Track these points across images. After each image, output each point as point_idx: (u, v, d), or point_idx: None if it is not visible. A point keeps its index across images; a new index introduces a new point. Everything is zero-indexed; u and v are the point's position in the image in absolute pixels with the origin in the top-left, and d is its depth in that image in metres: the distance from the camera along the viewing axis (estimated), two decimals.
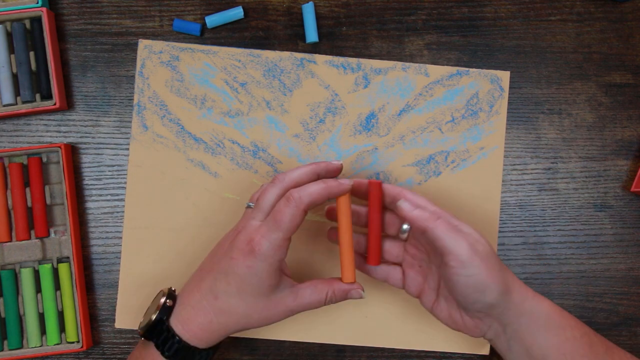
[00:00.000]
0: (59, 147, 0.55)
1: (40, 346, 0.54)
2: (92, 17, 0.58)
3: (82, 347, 0.54)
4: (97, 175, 0.57)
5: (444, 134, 0.57)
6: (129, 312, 0.56)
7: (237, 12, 0.57)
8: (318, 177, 0.47)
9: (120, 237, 0.56)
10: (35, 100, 0.55)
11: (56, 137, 0.57)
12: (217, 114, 0.57)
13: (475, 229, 0.46)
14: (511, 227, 0.57)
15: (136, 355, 0.47)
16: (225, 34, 0.58)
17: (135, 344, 0.56)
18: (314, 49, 0.58)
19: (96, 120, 0.57)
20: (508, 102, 0.58)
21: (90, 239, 0.57)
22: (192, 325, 0.45)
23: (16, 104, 0.55)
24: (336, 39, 0.58)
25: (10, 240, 0.55)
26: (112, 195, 0.57)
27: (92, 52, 0.57)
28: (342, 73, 0.57)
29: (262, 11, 0.58)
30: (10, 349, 0.54)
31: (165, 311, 0.45)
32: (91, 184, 0.57)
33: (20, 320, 0.55)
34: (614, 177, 0.58)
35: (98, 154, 0.57)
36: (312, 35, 0.57)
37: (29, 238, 0.55)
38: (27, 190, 0.55)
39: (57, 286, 0.55)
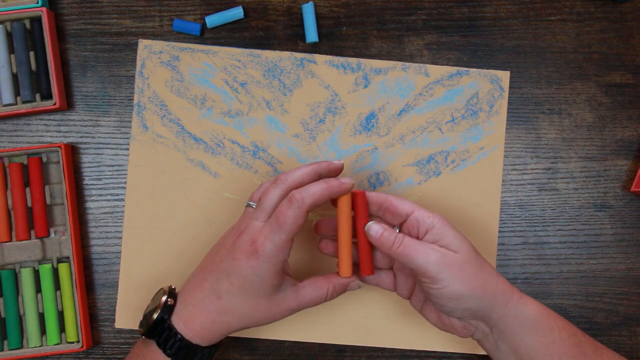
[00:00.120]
0: (59, 147, 0.55)
1: (40, 346, 0.54)
2: (92, 17, 0.58)
3: (82, 347, 0.54)
4: (97, 175, 0.57)
5: (444, 134, 0.57)
6: (129, 312, 0.56)
7: (237, 12, 0.57)
8: (320, 177, 0.47)
9: (120, 237, 0.56)
10: (35, 100, 0.55)
11: (56, 137, 0.57)
12: (217, 114, 0.57)
13: (454, 232, 0.46)
14: (511, 227, 0.57)
15: (137, 354, 0.47)
16: (225, 34, 0.58)
17: (135, 343, 0.56)
18: (314, 49, 0.58)
19: (96, 120, 0.57)
20: (508, 102, 0.58)
21: (90, 239, 0.57)
22: (194, 324, 0.45)
23: (16, 103, 0.55)
24: (336, 39, 0.58)
25: (10, 240, 0.55)
26: (112, 195, 0.57)
27: (92, 52, 0.57)
28: (342, 73, 0.57)
29: (262, 11, 0.58)
30: (10, 349, 0.54)
31: (167, 310, 0.45)
32: (91, 184, 0.57)
33: (20, 320, 0.55)
34: (614, 177, 0.58)
35: (98, 154, 0.57)
36: (312, 35, 0.57)
37: (29, 238, 0.55)
38: (27, 190, 0.55)
39: (57, 286, 0.55)
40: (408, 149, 0.57)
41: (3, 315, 0.54)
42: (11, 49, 0.55)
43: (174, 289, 0.48)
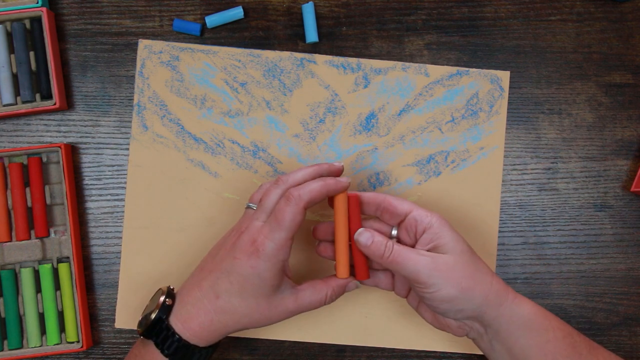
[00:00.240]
0: (59, 147, 0.55)
1: (40, 346, 0.54)
2: (92, 17, 0.58)
3: (82, 347, 0.54)
4: (97, 175, 0.57)
5: (444, 134, 0.57)
6: (128, 312, 0.56)
7: (237, 12, 0.57)
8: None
9: (120, 237, 0.56)
10: (35, 100, 0.55)
11: (56, 137, 0.57)
12: (217, 114, 0.57)
13: (451, 232, 0.46)
14: (511, 227, 0.57)
15: (135, 354, 0.47)
16: (225, 34, 0.58)
17: (135, 343, 0.56)
18: (314, 49, 0.58)
19: (96, 120, 0.57)
20: (508, 102, 0.58)
21: (90, 239, 0.57)
22: (192, 323, 0.45)
23: (16, 103, 0.55)
24: (336, 39, 0.58)
25: (10, 240, 0.55)
26: (112, 195, 0.57)
27: (92, 52, 0.57)
28: (342, 73, 0.57)
29: (262, 11, 0.58)
30: (10, 349, 0.54)
31: (165, 310, 0.45)
32: (91, 184, 0.57)
33: (20, 320, 0.55)
34: (614, 177, 0.58)
35: (98, 154, 0.57)
36: (312, 35, 0.57)
37: (29, 238, 0.55)
38: (27, 190, 0.55)
39: (57, 286, 0.55)
40: (408, 149, 0.57)
41: (3, 315, 0.54)
42: (11, 49, 0.55)
43: (173, 289, 0.48)
